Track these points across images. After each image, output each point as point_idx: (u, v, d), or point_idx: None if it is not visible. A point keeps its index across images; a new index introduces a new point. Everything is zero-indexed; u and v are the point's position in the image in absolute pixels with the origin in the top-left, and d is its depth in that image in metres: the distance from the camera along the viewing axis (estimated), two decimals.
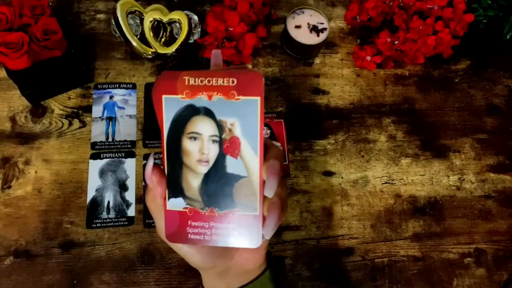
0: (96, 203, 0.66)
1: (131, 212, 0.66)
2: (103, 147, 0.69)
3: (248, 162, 0.31)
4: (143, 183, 0.67)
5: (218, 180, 0.32)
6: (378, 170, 0.73)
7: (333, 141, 0.75)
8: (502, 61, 0.85)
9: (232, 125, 0.31)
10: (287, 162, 0.72)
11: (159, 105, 0.31)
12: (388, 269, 0.67)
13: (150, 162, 0.34)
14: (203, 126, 0.31)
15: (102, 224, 0.65)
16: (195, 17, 0.77)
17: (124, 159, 0.69)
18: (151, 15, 0.72)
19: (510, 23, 0.78)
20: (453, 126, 0.79)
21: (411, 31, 0.75)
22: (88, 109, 0.72)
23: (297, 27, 0.77)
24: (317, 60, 0.81)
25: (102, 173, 0.68)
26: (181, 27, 0.73)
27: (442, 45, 0.76)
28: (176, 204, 0.33)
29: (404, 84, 0.81)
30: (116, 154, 0.69)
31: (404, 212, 0.71)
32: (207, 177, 0.32)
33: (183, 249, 0.35)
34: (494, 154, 0.77)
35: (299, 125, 0.75)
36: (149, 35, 0.71)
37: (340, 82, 0.79)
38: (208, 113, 0.31)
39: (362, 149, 0.74)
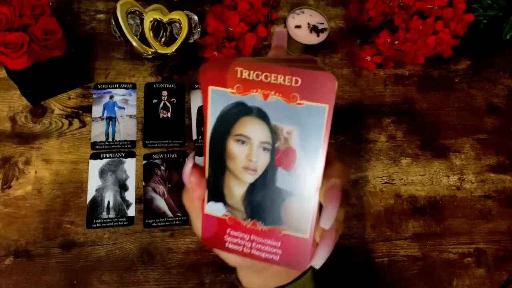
0: (96, 203, 0.66)
1: (131, 212, 0.66)
2: (103, 147, 0.69)
3: (304, 179, 0.26)
4: (143, 183, 0.68)
5: (265, 193, 0.28)
6: (378, 170, 0.73)
7: (333, 141, 0.75)
8: (502, 61, 0.85)
9: (289, 134, 0.26)
10: None
11: (205, 97, 0.26)
12: (388, 269, 0.67)
13: (190, 162, 0.29)
14: (254, 130, 0.26)
15: (102, 224, 0.65)
16: (195, 17, 0.77)
17: (124, 159, 0.69)
18: (151, 15, 0.72)
19: (510, 23, 0.78)
20: (453, 126, 0.79)
21: (411, 31, 0.75)
22: (88, 109, 0.72)
23: (297, 27, 0.77)
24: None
25: (102, 173, 0.68)
26: (181, 27, 0.73)
27: (442, 45, 0.76)
28: (215, 209, 0.30)
29: (404, 84, 0.81)
30: (116, 154, 0.69)
31: (404, 212, 0.71)
32: (252, 187, 0.28)
33: (219, 250, 0.33)
34: (494, 154, 0.77)
35: None
36: (149, 35, 0.71)
37: (340, 82, 0.79)
38: (262, 115, 0.26)
39: (362, 149, 0.74)
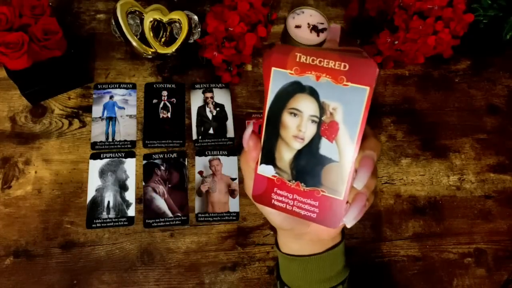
0: (96, 203, 0.66)
1: (131, 212, 0.66)
2: (103, 147, 0.69)
3: (343, 148, 0.31)
4: (143, 183, 0.68)
5: (309, 159, 0.33)
6: (378, 170, 0.73)
7: None
8: (502, 61, 0.85)
9: (334, 110, 0.31)
10: None
11: (268, 76, 0.32)
12: (388, 269, 0.67)
13: (250, 128, 0.35)
14: (305, 105, 0.32)
15: (102, 224, 0.65)
16: (195, 17, 0.77)
17: (124, 159, 0.69)
18: (151, 15, 0.72)
19: (510, 23, 0.78)
20: (453, 126, 0.79)
21: (411, 31, 0.75)
22: (88, 109, 0.72)
23: (297, 27, 0.77)
24: None
25: (102, 173, 0.68)
26: (181, 27, 0.73)
27: (442, 45, 0.76)
28: (266, 170, 0.34)
29: (404, 84, 0.81)
30: (116, 154, 0.69)
31: (404, 212, 0.71)
32: (299, 153, 0.33)
33: (265, 209, 0.37)
34: (494, 154, 0.77)
35: None
36: (149, 35, 0.71)
37: None
38: (313, 93, 0.31)
39: None
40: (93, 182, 0.67)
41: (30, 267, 0.62)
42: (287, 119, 0.33)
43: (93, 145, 0.69)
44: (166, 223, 0.66)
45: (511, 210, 0.73)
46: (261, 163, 0.35)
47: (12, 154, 0.68)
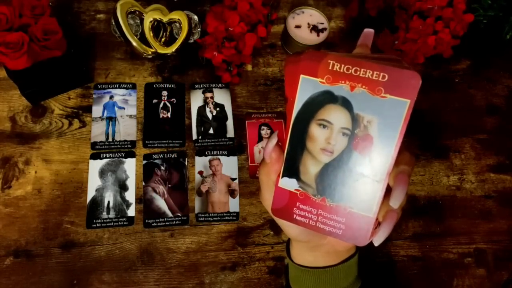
0: (96, 203, 0.66)
1: (131, 212, 0.66)
2: (103, 147, 0.69)
3: (376, 164, 0.29)
4: (143, 183, 0.68)
5: (337, 173, 0.31)
6: None
7: None
8: (502, 61, 0.85)
9: (369, 123, 0.29)
10: None
11: (294, 84, 0.30)
12: (388, 269, 0.67)
13: (274, 139, 0.33)
14: (336, 116, 0.30)
15: (102, 224, 0.65)
16: (195, 17, 0.77)
17: (124, 159, 0.69)
18: (151, 15, 0.72)
19: (510, 23, 0.78)
20: (453, 126, 0.79)
21: (411, 31, 0.75)
22: (88, 109, 0.72)
23: (297, 27, 0.77)
24: None
25: (102, 173, 0.68)
26: (181, 27, 0.73)
27: (442, 45, 0.76)
28: (289, 184, 0.33)
29: None
30: (116, 154, 0.69)
31: (404, 212, 0.71)
32: (327, 167, 0.31)
33: (284, 222, 0.36)
34: (494, 154, 0.77)
35: None
36: (149, 35, 0.71)
37: None
38: (346, 104, 0.29)
39: None
40: (93, 182, 0.67)
41: (30, 267, 0.62)
42: (316, 131, 0.31)
43: (93, 145, 0.69)
44: (166, 223, 0.66)
45: (511, 210, 0.73)
46: (283, 176, 0.33)
47: (12, 154, 0.68)
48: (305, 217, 0.33)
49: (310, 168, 0.32)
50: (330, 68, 0.29)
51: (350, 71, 0.28)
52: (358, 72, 0.28)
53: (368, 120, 0.29)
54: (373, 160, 0.29)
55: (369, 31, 0.35)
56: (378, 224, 0.31)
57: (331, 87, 0.29)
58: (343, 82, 0.29)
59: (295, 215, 0.33)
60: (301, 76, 0.30)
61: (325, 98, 0.30)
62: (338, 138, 0.30)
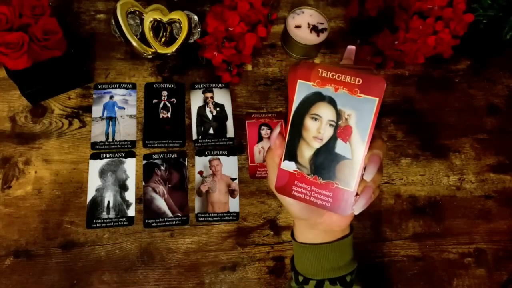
0: (96, 203, 0.66)
1: (131, 212, 0.66)
2: (103, 147, 0.69)
3: (355, 148, 0.37)
4: (143, 183, 0.68)
5: (326, 156, 0.38)
6: None
7: None
8: (502, 61, 0.85)
9: (349, 116, 0.37)
10: None
11: (293, 87, 0.38)
12: (388, 269, 0.67)
13: (278, 128, 0.40)
14: (324, 111, 0.37)
15: (102, 224, 0.65)
16: (195, 17, 0.77)
17: (124, 159, 0.69)
18: (151, 15, 0.72)
19: (510, 23, 0.78)
20: (453, 126, 0.79)
21: (411, 31, 0.75)
22: (88, 109, 0.72)
23: (297, 27, 0.77)
24: (317, 60, 0.81)
25: (102, 173, 0.68)
26: (181, 27, 0.73)
27: (442, 45, 0.76)
28: (288, 166, 0.40)
29: (404, 84, 0.81)
30: (116, 154, 0.69)
31: (404, 212, 0.71)
32: (318, 152, 0.39)
33: (286, 200, 0.43)
34: (494, 154, 0.77)
35: None
36: (149, 35, 0.71)
37: None
38: (332, 102, 0.37)
39: None
40: (93, 182, 0.67)
41: (30, 267, 0.62)
42: (309, 123, 0.38)
43: (93, 145, 0.69)
44: (166, 223, 0.66)
45: (511, 210, 0.73)
46: (284, 160, 0.40)
47: (12, 154, 0.68)
48: (301, 193, 0.40)
49: (305, 152, 0.39)
50: (319, 74, 0.37)
51: (334, 76, 0.36)
52: (340, 78, 0.36)
53: (348, 114, 0.37)
54: (352, 145, 0.37)
55: (351, 48, 0.44)
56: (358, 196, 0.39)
57: (320, 89, 0.37)
58: (329, 85, 0.37)
59: (293, 191, 0.40)
60: (298, 80, 0.37)
61: (316, 97, 0.37)
62: (326, 128, 0.38)
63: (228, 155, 0.71)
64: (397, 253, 0.69)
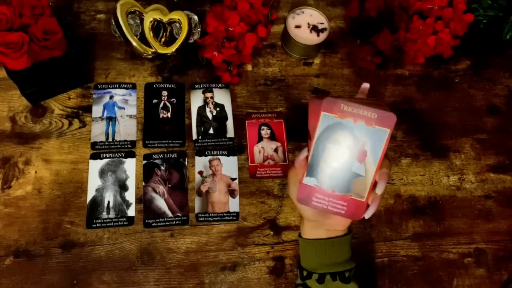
0: (96, 203, 0.66)
1: (131, 212, 0.66)
2: (103, 147, 0.69)
3: (368, 168, 0.44)
4: (143, 183, 0.68)
5: (343, 174, 0.45)
6: None
7: None
8: (502, 61, 0.85)
9: (364, 142, 0.43)
10: (287, 162, 0.72)
11: (317, 116, 0.44)
12: (388, 269, 0.67)
13: (304, 153, 0.47)
14: (344, 138, 0.44)
15: (102, 224, 0.65)
16: (195, 17, 0.77)
17: (124, 159, 0.69)
18: (151, 15, 0.72)
19: (510, 23, 0.78)
20: (453, 126, 0.79)
21: (411, 31, 0.75)
22: (88, 109, 0.72)
23: (297, 27, 0.77)
24: (317, 60, 0.81)
25: (102, 173, 0.68)
26: (181, 27, 0.73)
27: (442, 45, 0.76)
28: (310, 181, 0.46)
29: (404, 84, 0.81)
30: (116, 154, 0.69)
31: (404, 212, 0.71)
32: (336, 170, 0.45)
33: (302, 206, 0.50)
34: (494, 154, 0.77)
35: (299, 125, 0.75)
36: (149, 35, 0.71)
37: (340, 82, 0.79)
38: (350, 131, 0.43)
39: None
40: (93, 182, 0.67)
41: (30, 267, 0.62)
42: (331, 147, 0.45)
43: (93, 145, 0.69)
44: (166, 223, 0.66)
45: (511, 210, 0.73)
46: (306, 176, 0.46)
47: (12, 154, 0.68)
48: (320, 203, 0.47)
49: (325, 170, 0.46)
50: (341, 108, 0.43)
51: (353, 110, 0.43)
52: (359, 112, 0.43)
53: (364, 141, 0.43)
54: (366, 165, 0.44)
55: (365, 87, 0.52)
56: (367, 205, 0.47)
57: (341, 120, 0.43)
58: (349, 117, 0.43)
59: (313, 202, 0.47)
60: (322, 112, 0.43)
61: (337, 127, 0.44)
62: (345, 152, 0.44)
63: (228, 155, 0.71)
64: (397, 253, 0.69)
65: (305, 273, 0.56)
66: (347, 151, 0.44)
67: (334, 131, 0.44)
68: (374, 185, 0.45)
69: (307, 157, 0.46)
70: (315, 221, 0.53)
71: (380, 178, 0.45)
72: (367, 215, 0.47)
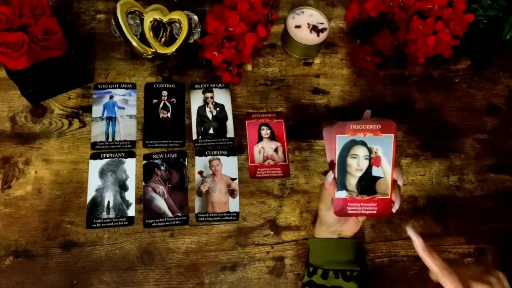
0: (96, 203, 0.66)
1: (131, 212, 0.66)
2: (103, 147, 0.69)
3: (385, 169, 0.53)
4: (143, 183, 0.68)
5: (367, 180, 0.53)
6: None
7: None
8: (502, 61, 0.85)
9: (377, 149, 0.52)
10: (287, 162, 0.72)
11: (333, 139, 0.52)
12: (388, 269, 0.67)
13: (332, 175, 0.54)
14: (360, 150, 0.52)
15: (102, 224, 0.65)
16: (195, 17, 0.77)
17: (124, 159, 0.69)
18: (151, 15, 0.72)
19: (510, 23, 0.78)
20: (453, 126, 0.79)
21: (411, 31, 0.75)
22: (88, 109, 0.72)
23: (297, 27, 0.77)
24: (317, 60, 0.81)
25: (102, 173, 0.68)
26: (181, 27, 0.73)
27: (442, 45, 0.76)
28: (341, 194, 0.54)
29: (404, 84, 0.81)
30: (116, 154, 0.69)
31: (404, 212, 0.71)
32: (360, 178, 0.53)
33: (324, 214, 0.58)
34: (494, 154, 0.77)
35: (299, 125, 0.75)
36: (149, 35, 0.71)
37: (340, 82, 0.79)
38: (363, 143, 0.52)
39: None
40: (93, 182, 0.67)
41: (30, 267, 0.62)
42: (351, 161, 0.53)
43: (93, 145, 0.69)
44: (166, 223, 0.66)
45: (511, 210, 0.73)
46: (337, 191, 0.54)
47: (12, 154, 0.68)
48: (354, 210, 0.54)
49: (351, 181, 0.53)
50: (352, 128, 0.52)
51: (361, 127, 0.52)
52: (366, 127, 0.52)
53: (376, 148, 0.52)
54: (383, 168, 0.53)
55: (368, 112, 0.61)
56: (392, 202, 0.54)
57: (354, 137, 0.52)
58: (359, 133, 0.52)
59: (348, 211, 0.54)
60: (337, 135, 0.52)
61: (352, 143, 0.52)
62: (363, 162, 0.53)
63: (228, 155, 0.71)
64: (397, 253, 0.69)
65: (311, 269, 0.61)
66: (365, 161, 0.52)
67: (350, 147, 0.52)
68: (394, 182, 0.53)
69: (334, 178, 0.54)
70: (334, 228, 0.59)
71: (398, 173, 0.53)
72: (394, 209, 0.54)
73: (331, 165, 0.54)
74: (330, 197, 0.55)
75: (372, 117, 0.60)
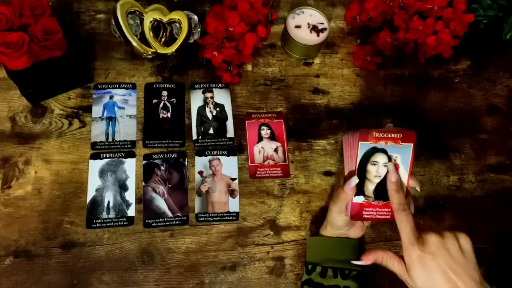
0: (96, 203, 0.66)
1: (131, 212, 0.66)
2: (103, 147, 0.69)
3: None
4: (143, 183, 0.68)
5: (384, 186, 0.54)
6: None
7: (333, 141, 0.75)
8: (502, 61, 0.85)
9: (396, 157, 0.54)
10: (287, 162, 0.72)
11: (355, 146, 0.54)
12: (388, 269, 0.67)
13: (354, 181, 0.54)
14: (380, 158, 0.54)
15: (102, 224, 0.65)
16: (195, 17, 0.77)
17: (124, 159, 0.69)
18: (151, 15, 0.72)
19: (510, 23, 0.78)
20: (453, 126, 0.79)
21: (411, 31, 0.75)
22: (88, 109, 0.72)
23: (297, 27, 0.77)
24: (317, 60, 0.81)
25: (102, 173, 0.68)
26: (181, 27, 0.73)
27: (442, 45, 0.76)
28: (358, 199, 0.55)
29: (404, 84, 0.81)
30: (116, 154, 0.69)
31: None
32: (378, 184, 0.54)
33: (336, 217, 0.59)
34: (494, 154, 0.77)
35: (299, 125, 0.75)
36: (149, 35, 0.71)
37: (340, 82, 0.79)
38: (384, 151, 0.53)
39: None
40: (93, 182, 0.67)
41: (30, 267, 0.62)
42: (370, 167, 0.54)
43: (93, 145, 0.69)
44: (166, 223, 0.66)
45: (511, 210, 0.73)
46: (355, 195, 0.55)
47: (12, 154, 0.68)
48: (369, 214, 0.55)
49: (369, 187, 0.55)
50: (374, 136, 0.53)
51: (384, 135, 0.53)
52: (388, 135, 0.53)
53: (396, 156, 0.54)
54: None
55: (390, 126, 0.60)
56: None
57: (375, 144, 0.53)
58: (381, 141, 0.53)
59: (364, 215, 0.55)
60: (360, 142, 0.53)
61: (373, 150, 0.54)
62: (382, 168, 0.54)
63: (228, 155, 0.71)
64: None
65: (310, 266, 0.61)
66: (384, 168, 0.54)
67: (371, 154, 0.54)
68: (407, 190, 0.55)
69: (355, 185, 0.55)
70: (341, 231, 0.61)
71: (414, 181, 0.55)
72: (411, 211, 0.55)
73: (350, 172, 0.55)
74: (346, 201, 0.56)
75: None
